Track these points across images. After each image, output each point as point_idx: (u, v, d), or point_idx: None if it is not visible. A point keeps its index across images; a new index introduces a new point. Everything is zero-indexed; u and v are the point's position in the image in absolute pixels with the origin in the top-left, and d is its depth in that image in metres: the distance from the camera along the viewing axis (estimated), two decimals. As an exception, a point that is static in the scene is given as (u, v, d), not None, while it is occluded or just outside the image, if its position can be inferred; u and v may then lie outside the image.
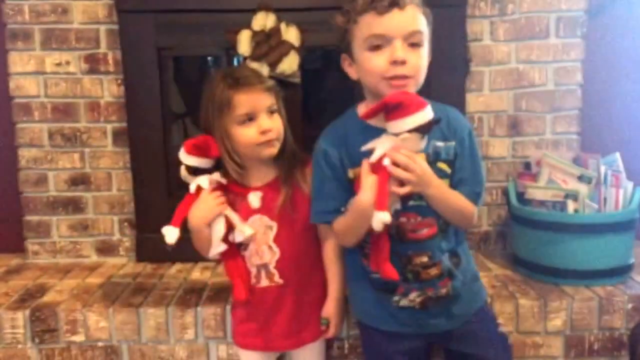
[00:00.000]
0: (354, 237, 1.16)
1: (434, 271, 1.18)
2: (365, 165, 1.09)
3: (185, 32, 1.76)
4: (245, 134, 1.23)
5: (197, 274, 1.73)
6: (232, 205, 1.28)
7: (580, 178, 1.58)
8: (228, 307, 1.45)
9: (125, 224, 1.87)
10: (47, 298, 1.56)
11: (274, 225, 1.28)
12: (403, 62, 1.07)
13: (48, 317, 1.48)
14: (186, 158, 1.27)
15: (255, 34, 1.67)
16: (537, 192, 1.61)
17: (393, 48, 1.07)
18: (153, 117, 1.79)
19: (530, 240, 1.61)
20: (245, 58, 1.69)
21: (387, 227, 1.07)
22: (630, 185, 1.59)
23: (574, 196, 1.54)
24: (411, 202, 1.13)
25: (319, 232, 1.30)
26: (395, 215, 1.12)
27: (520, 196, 1.66)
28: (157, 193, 1.81)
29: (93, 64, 1.80)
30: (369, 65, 1.10)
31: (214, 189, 1.27)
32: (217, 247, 1.27)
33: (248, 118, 1.23)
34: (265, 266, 1.28)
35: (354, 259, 1.24)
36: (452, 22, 1.72)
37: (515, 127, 1.82)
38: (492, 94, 1.81)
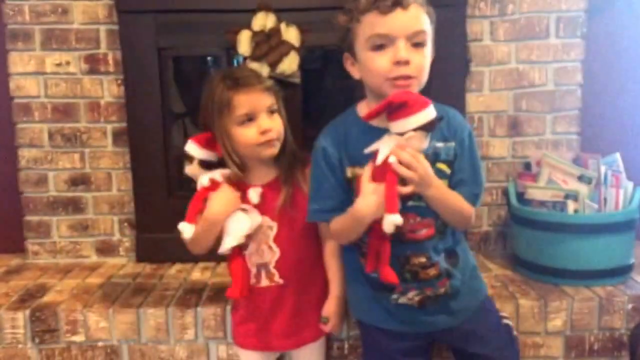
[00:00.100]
0: (349, 238, 1.17)
1: (432, 271, 1.18)
2: (367, 171, 1.08)
3: (185, 32, 1.76)
4: (245, 134, 1.23)
5: (197, 274, 1.73)
6: None
7: (580, 178, 1.57)
8: (228, 307, 1.45)
9: (125, 224, 1.87)
10: (47, 298, 1.56)
11: (274, 225, 1.28)
12: (406, 63, 1.06)
13: (48, 317, 1.48)
14: (199, 152, 1.26)
15: (255, 34, 1.67)
16: (537, 192, 1.60)
17: (396, 48, 1.06)
18: (153, 117, 1.79)
19: (531, 240, 1.61)
20: (245, 58, 1.69)
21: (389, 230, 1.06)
22: (630, 185, 1.59)
23: (574, 196, 1.54)
24: (410, 203, 1.13)
25: (320, 231, 1.30)
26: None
27: (520, 196, 1.66)
28: (157, 193, 1.81)
29: (93, 64, 1.80)
30: (372, 66, 1.09)
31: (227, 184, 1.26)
32: (232, 242, 1.24)
33: (248, 118, 1.23)
34: (265, 266, 1.28)
35: (352, 258, 1.24)
36: (452, 22, 1.72)
37: (515, 127, 1.82)
38: (492, 94, 1.81)
